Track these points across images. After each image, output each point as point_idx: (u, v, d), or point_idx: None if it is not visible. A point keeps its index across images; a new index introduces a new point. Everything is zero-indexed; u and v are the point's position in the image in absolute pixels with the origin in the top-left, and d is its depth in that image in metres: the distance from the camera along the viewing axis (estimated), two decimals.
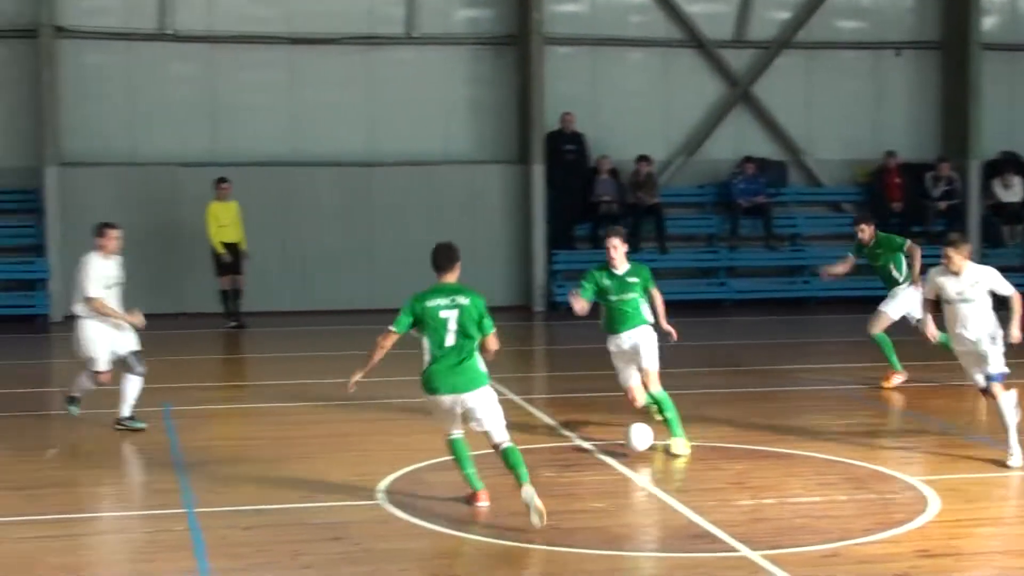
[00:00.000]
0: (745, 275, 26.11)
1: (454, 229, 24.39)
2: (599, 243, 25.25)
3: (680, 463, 12.45)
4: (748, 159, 25.93)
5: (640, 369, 12.86)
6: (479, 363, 10.63)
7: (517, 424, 13.66)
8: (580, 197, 25.15)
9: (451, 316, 10.56)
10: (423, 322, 10.54)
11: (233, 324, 21.78)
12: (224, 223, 22.32)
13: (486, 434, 10.56)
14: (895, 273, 16.54)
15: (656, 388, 12.84)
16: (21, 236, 23.76)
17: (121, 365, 13.69)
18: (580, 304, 12.66)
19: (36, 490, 11.58)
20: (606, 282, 12.84)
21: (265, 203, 23.63)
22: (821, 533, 10.02)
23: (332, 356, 18.17)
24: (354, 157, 24.75)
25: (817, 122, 26.79)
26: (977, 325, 12.25)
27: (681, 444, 12.69)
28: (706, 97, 26.44)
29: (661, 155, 25.97)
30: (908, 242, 16.51)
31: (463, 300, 10.64)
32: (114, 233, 13.45)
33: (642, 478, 11.86)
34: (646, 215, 25.21)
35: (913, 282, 16.16)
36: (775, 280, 26.09)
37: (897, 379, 16.47)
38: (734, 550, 9.60)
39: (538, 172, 25.04)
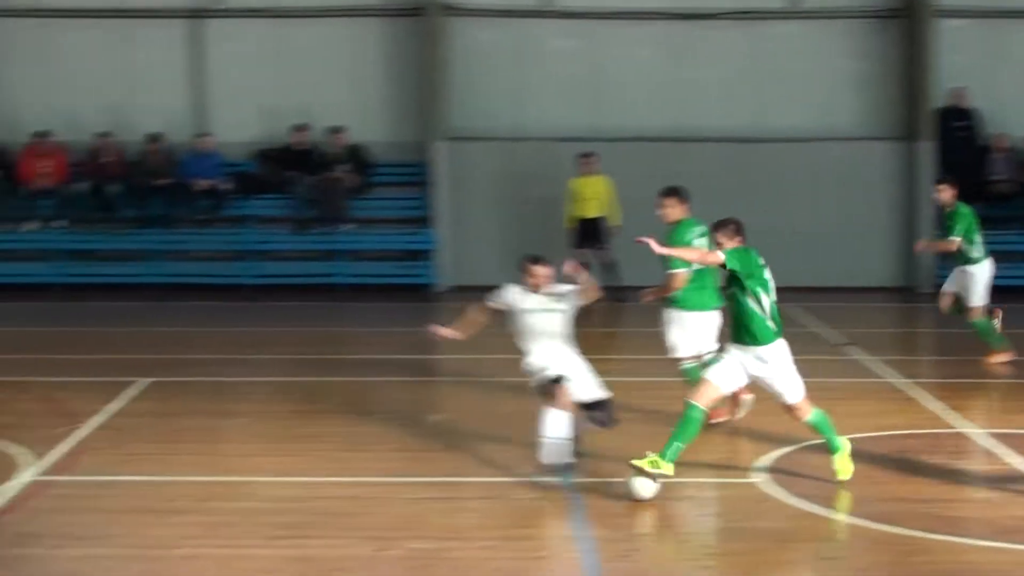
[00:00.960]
0: None
1: (834, 206, 24.09)
2: (995, 224, 24.32)
3: None
4: None
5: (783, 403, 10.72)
6: None
7: (901, 408, 13.35)
8: (971, 176, 24.21)
9: (704, 243, 12.22)
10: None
11: None
12: (585, 198, 22.55)
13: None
14: (965, 247, 16.15)
15: (808, 415, 10.71)
16: (410, 208, 24.53)
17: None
18: None
19: (422, 453, 11.93)
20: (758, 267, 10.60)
21: (645, 179, 23.55)
22: None
23: None
24: (734, 133, 24.54)
25: None
26: None
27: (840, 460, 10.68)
28: None
29: None
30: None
31: (703, 229, 12.30)
32: (536, 270, 11.32)
33: None
34: None
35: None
36: None
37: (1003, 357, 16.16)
38: None
39: (925, 149, 24.27)
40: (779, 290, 10.63)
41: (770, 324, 10.41)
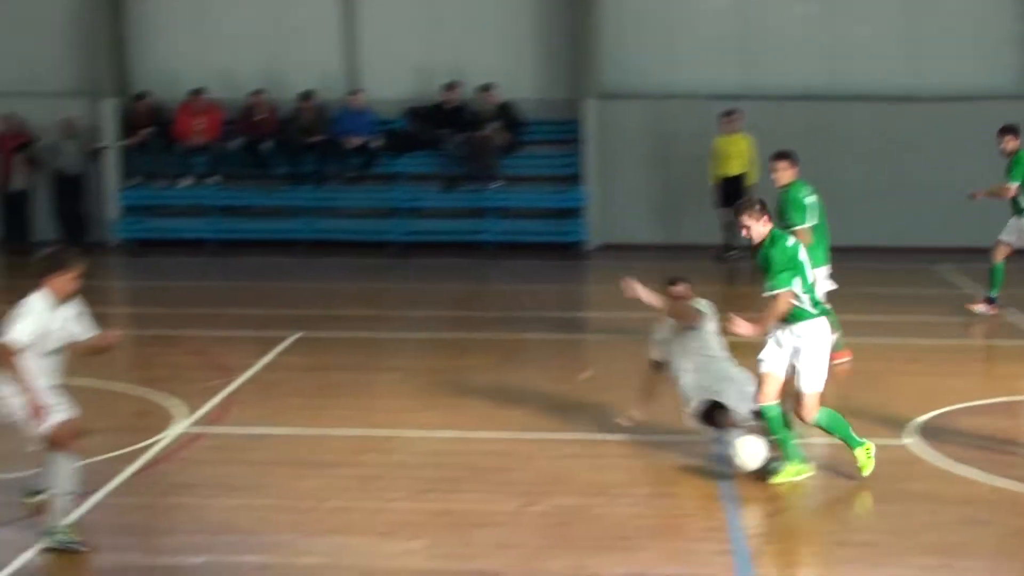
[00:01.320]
0: None
1: (990, 165, 23.44)
2: None
3: None
4: None
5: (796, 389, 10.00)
6: None
7: None
8: None
9: (814, 201, 12.55)
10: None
11: (732, 253, 21.67)
12: (728, 156, 22.38)
13: None
14: (1020, 199, 15.76)
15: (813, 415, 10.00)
16: (560, 166, 24.49)
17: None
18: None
19: (570, 411, 11.95)
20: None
21: (798, 137, 23.18)
22: None
23: (865, 294, 17.42)
24: (889, 91, 24.07)
25: None
26: None
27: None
28: None
29: None
30: None
31: (812, 188, 12.85)
32: (671, 291, 10.92)
33: None
34: None
35: None
36: None
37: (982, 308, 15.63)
38: None
39: None
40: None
41: (809, 307, 9.91)
